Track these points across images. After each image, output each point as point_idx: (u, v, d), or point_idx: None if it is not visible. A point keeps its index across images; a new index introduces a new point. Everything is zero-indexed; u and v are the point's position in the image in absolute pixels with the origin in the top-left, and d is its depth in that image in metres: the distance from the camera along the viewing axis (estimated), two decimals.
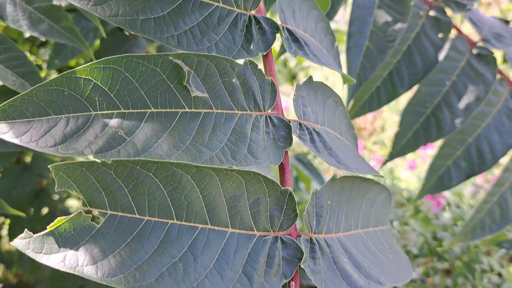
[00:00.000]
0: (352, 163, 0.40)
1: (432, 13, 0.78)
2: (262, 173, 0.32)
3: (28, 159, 1.02)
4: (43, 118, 0.32)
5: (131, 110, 0.33)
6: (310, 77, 0.42)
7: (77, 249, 0.29)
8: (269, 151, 0.35)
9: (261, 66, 0.38)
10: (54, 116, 0.32)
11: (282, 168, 0.36)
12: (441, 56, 0.78)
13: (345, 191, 0.38)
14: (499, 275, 1.54)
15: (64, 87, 0.32)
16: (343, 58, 0.64)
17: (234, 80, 0.36)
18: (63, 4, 0.62)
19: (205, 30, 0.37)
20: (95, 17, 0.64)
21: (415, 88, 0.79)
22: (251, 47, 0.38)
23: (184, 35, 0.37)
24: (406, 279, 0.41)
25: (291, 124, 0.36)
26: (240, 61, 0.37)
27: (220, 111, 0.35)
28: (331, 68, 0.43)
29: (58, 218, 0.30)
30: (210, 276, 0.30)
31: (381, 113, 3.58)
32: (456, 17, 0.81)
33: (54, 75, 1.13)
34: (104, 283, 0.29)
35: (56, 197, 1.14)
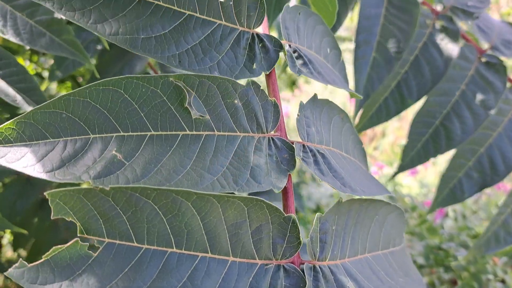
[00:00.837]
0: (358, 184, 0.39)
1: (439, 22, 0.77)
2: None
3: None
4: (40, 141, 0.31)
5: (130, 133, 0.32)
6: (315, 95, 0.41)
7: (73, 280, 0.28)
8: (272, 175, 0.34)
9: (263, 84, 0.37)
10: (51, 140, 0.31)
11: (285, 192, 0.34)
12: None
13: (352, 214, 0.37)
14: (503, 281, 1.52)
15: (62, 110, 0.31)
16: (350, 69, 0.63)
17: (236, 101, 0.35)
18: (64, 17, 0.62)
19: (207, 49, 0.36)
20: None
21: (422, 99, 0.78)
22: (254, 66, 0.37)
23: (185, 54, 0.36)
24: None
25: (294, 146, 0.35)
26: (242, 81, 0.36)
27: (222, 133, 0.34)
28: (336, 86, 0.42)
29: (54, 247, 0.29)
30: None
31: None
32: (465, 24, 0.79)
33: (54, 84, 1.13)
34: None
35: None
